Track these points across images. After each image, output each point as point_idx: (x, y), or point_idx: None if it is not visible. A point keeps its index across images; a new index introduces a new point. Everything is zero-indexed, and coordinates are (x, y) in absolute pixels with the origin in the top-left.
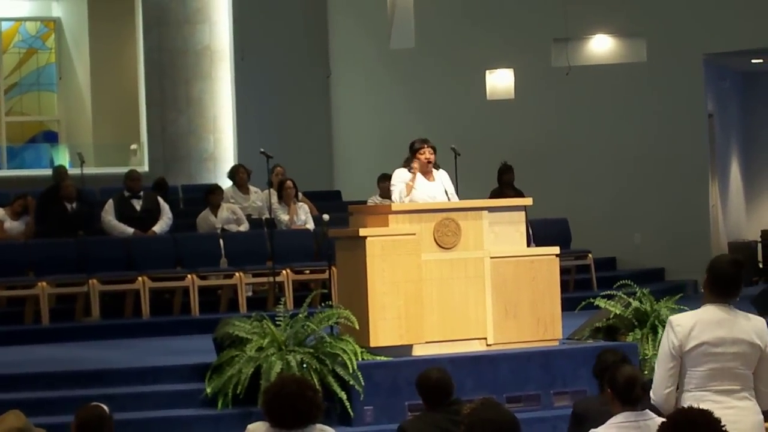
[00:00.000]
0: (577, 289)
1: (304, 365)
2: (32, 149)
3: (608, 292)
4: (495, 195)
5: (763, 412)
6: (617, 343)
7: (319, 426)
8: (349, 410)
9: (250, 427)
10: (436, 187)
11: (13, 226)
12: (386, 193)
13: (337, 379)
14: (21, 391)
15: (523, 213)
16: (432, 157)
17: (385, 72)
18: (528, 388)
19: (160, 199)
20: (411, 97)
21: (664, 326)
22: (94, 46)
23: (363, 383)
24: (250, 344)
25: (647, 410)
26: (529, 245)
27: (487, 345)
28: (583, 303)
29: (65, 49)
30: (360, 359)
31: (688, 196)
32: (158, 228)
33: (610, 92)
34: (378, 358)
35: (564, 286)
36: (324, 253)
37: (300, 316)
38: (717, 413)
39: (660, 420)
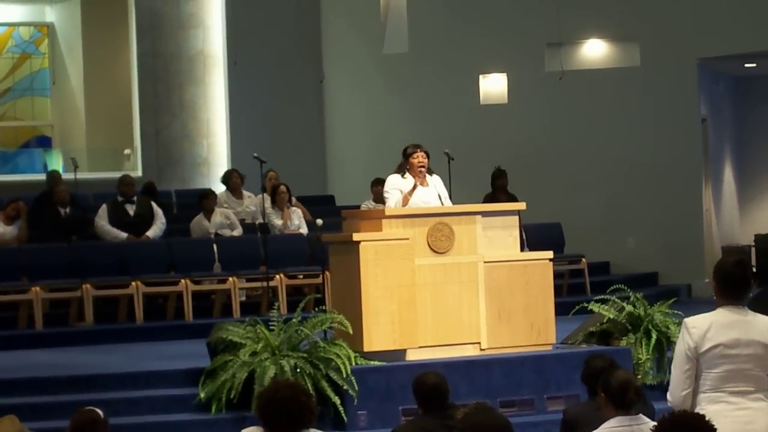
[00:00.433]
0: (570, 293)
1: (298, 370)
2: (25, 154)
3: (602, 296)
4: (488, 199)
5: None
6: (611, 347)
7: (312, 431)
8: (343, 415)
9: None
10: (430, 192)
11: (6, 231)
12: (380, 198)
13: (331, 384)
14: (15, 396)
15: (517, 217)
16: (425, 161)
17: (379, 76)
18: (521, 392)
19: (154, 204)
20: (404, 101)
21: (657, 330)
22: (88, 51)
23: (357, 388)
24: (243, 349)
25: (641, 414)
26: (522, 250)
27: (481, 349)
28: (577, 307)
29: (59, 54)
30: (353, 364)
31: (682, 200)
32: (152, 233)
33: (604, 97)
34: (371, 362)
35: (557, 290)
36: (317, 258)
37: (293, 320)
38: (731, 414)
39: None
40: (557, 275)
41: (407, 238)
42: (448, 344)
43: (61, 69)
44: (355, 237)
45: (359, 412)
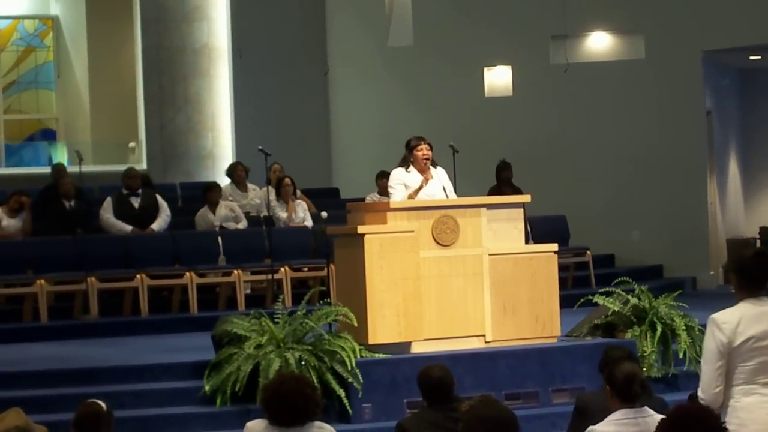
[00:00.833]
0: (575, 286)
1: (303, 363)
2: (30, 147)
3: (607, 289)
4: (493, 192)
5: None
6: (615, 340)
7: (317, 423)
8: (348, 408)
9: (248, 424)
10: (435, 185)
11: (10, 224)
12: (384, 191)
13: (336, 377)
14: (21, 389)
15: (522, 210)
16: (429, 153)
17: (384, 69)
18: (526, 385)
19: (158, 197)
20: (409, 94)
21: (662, 323)
22: (93, 44)
23: (361, 380)
24: (248, 342)
25: (646, 407)
26: (527, 242)
27: (486, 342)
28: (582, 300)
29: (63, 47)
30: (358, 356)
31: (687, 192)
32: (156, 226)
33: (609, 89)
34: (376, 355)
35: (562, 283)
36: (322, 251)
37: (298, 313)
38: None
39: (659, 417)
40: (562, 268)
41: (412, 231)
42: (453, 337)
43: (65, 62)
44: (360, 230)
45: (364, 405)
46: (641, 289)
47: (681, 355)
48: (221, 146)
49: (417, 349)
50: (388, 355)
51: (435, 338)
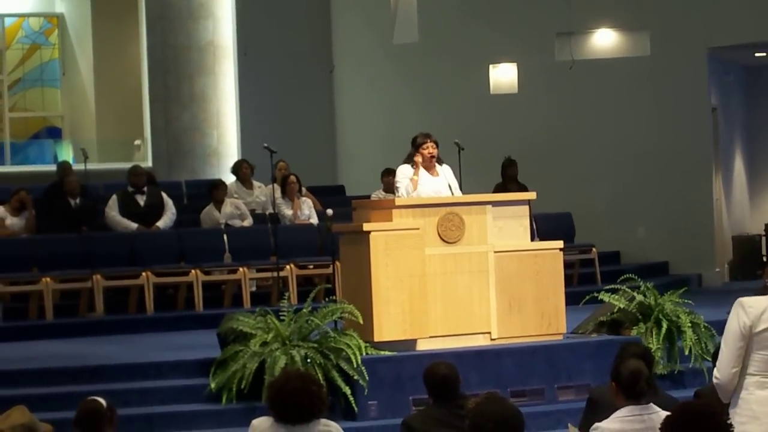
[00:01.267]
0: (581, 283)
1: (308, 360)
2: (36, 145)
3: (612, 286)
4: (498, 189)
5: None
6: (622, 337)
7: (323, 421)
8: (354, 405)
9: (254, 422)
10: (440, 182)
11: (14, 222)
12: (390, 188)
13: (342, 374)
14: (26, 387)
15: (527, 207)
16: (435, 151)
17: (389, 66)
18: (532, 382)
19: (164, 195)
20: (414, 91)
21: (668, 320)
22: (98, 41)
23: (367, 378)
24: (254, 339)
25: (651, 404)
26: (532, 239)
27: (491, 339)
28: (587, 297)
29: (68, 45)
30: (364, 354)
31: (692, 189)
32: (162, 223)
33: (614, 86)
34: (382, 352)
35: (568, 280)
36: (328, 248)
37: (304, 311)
38: None
39: (665, 414)
40: (567, 265)
41: (417, 228)
42: (458, 334)
43: (71, 60)
44: (366, 227)
45: (370, 402)
46: (647, 286)
47: (687, 352)
48: (226, 144)
49: (422, 346)
50: (394, 353)
51: (440, 335)
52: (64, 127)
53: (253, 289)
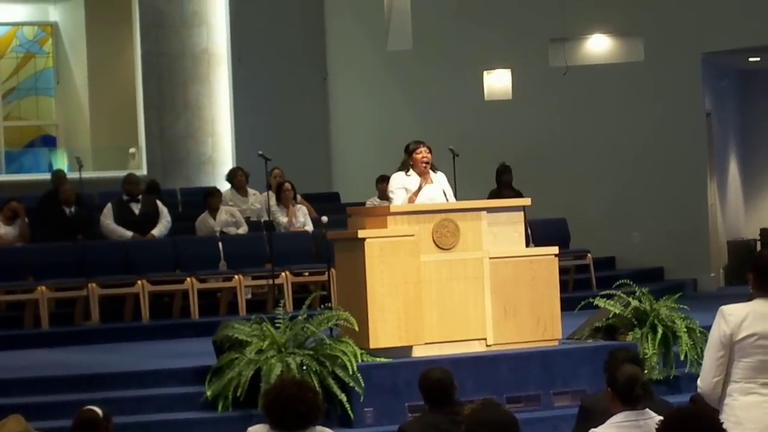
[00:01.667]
0: (576, 288)
1: (304, 367)
2: (30, 154)
3: (607, 291)
4: (493, 195)
5: None
6: (617, 342)
7: (319, 428)
8: (350, 412)
9: (250, 429)
10: (435, 189)
11: (7, 231)
12: (385, 195)
13: (337, 381)
14: (21, 396)
15: (522, 213)
16: (429, 157)
17: (383, 73)
18: (528, 388)
19: (159, 203)
20: (409, 98)
21: (663, 325)
22: (92, 50)
23: (363, 385)
24: (249, 347)
25: (647, 409)
26: (528, 245)
27: (487, 345)
28: (583, 303)
29: (63, 54)
30: (360, 361)
31: (687, 194)
32: (157, 231)
33: (608, 92)
34: (378, 359)
35: (563, 285)
36: (323, 255)
37: (299, 318)
38: (764, 405)
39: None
40: (563, 270)
41: (412, 235)
42: (454, 340)
43: (65, 68)
44: (361, 234)
45: (366, 409)
46: (642, 292)
47: (682, 357)
48: (221, 151)
49: (418, 353)
50: (390, 359)
51: (436, 342)
52: (59, 136)
53: (249, 296)
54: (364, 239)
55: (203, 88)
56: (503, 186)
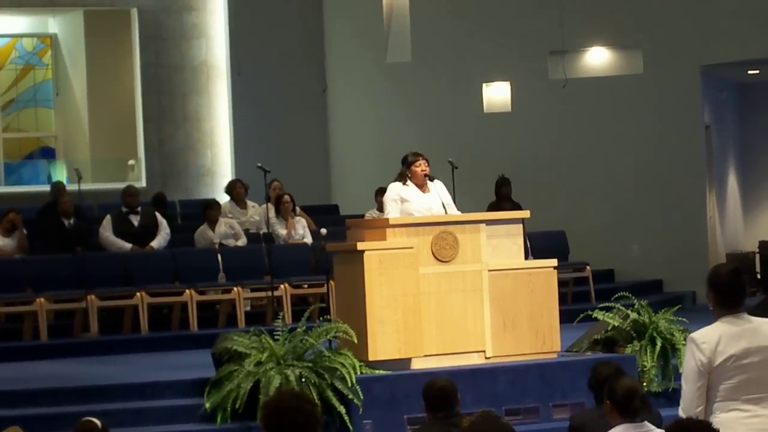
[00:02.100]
0: (575, 301)
1: (303, 379)
2: (29, 165)
3: (606, 304)
4: (492, 208)
5: None
6: (616, 355)
7: None
8: (348, 424)
9: None
10: (432, 199)
11: (5, 243)
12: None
13: (336, 393)
14: (20, 408)
15: (521, 226)
16: (428, 169)
17: (382, 85)
18: (527, 400)
19: (158, 215)
20: (408, 110)
21: (662, 338)
22: (91, 62)
23: (362, 397)
24: (248, 359)
25: (646, 422)
26: (526, 258)
27: (486, 358)
28: (582, 315)
29: (62, 65)
30: (359, 373)
31: (686, 207)
32: (156, 243)
33: (607, 104)
34: (377, 371)
35: (562, 298)
36: (322, 267)
37: (298, 330)
38: (746, 422)
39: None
40: (562, 283)
41: (411, 247)
42: (453, 353)
43: (64, 80)
44: (360, 246)
45: (365, 421)
46: (641, 304)
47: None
48: (220, 163)
49: (417, 365)
50: (389, 372)
51: (435, 354)
52: (58, 148)
53: (248, 308)
54: (363, 251)
55: (202, 100)
56: (502, 198)
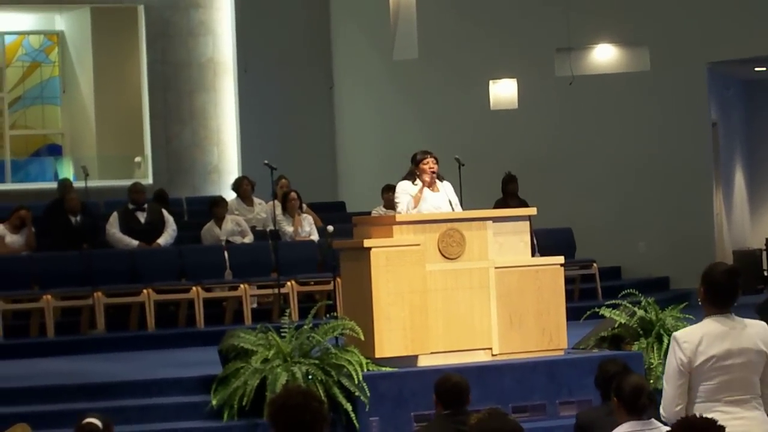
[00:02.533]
0: (582, 298)
1: (310, 376)
2: (36, 162)
3: (613, 301)
4: (499, 205)
5: None
6: (623, 352)
7: None
8: (355, 421)
9: None
10: (441, 198)
11: (14, 239)
12: (390, 204)
13: (343, 391)
14: (27, 405)
15: (528, 223)
16: (436, 167)
17: (389, 83)
18: (533, 398)
19: (165, 212)
20: (414, 107)
21: (669, 335)
22: (98, 59)
23: (368, 394)
24: (255, 356)
25: (653, 419)
26: (533, 255)
27: (493, 355)
28: (588, 312)
29: (69, 63)
30: (365, 370)
31: (693, 204)
32: (163, 240)
33: (614, 101)
34: (383, 368)
35: (569, 295)
36: (329, 265)
37: (305, 327)
38: (727, 424)
39: (666, 429)
40: (568, 280)
41: (418, 244)
42: (459, 350)
43: (71, 77)
44: (366, 243)
45: (371, 419)
46: (648, 301)
47: None
48: (227, 160)
49: (424, 362)
50: (395, 369)
51: (442, 351)
52: (65, 145)
53: (254, 305)
54: (369, 249)
55: (209, 98)
56: (509, 195)
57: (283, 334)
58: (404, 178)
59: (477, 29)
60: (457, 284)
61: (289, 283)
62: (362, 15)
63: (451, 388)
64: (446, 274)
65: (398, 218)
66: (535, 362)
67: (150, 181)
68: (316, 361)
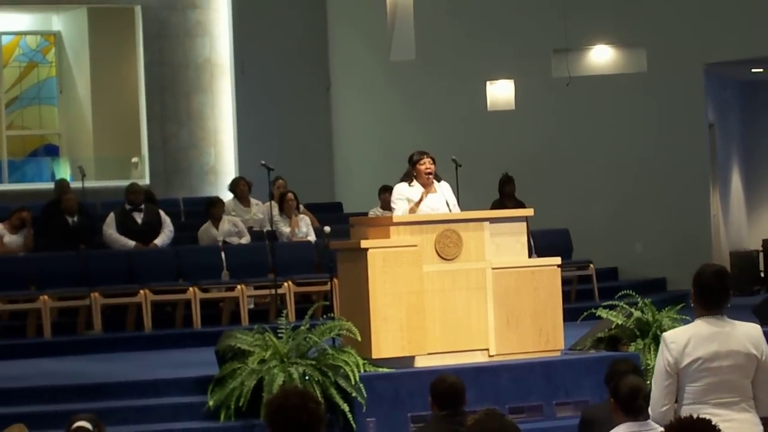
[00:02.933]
0: (578, 299)
1: (307, 377)
2: (33, 163)
3: (610, 302)
4: (496, 206)
5: (762, 420)
6: (619, 353)
7: None
8: (352, 422)
9: None
10: (438, 199)
11: (12, 240)
12: (387, 205)
13: (340, 391)
14: (24, 405)
15: (525, 224)
16: (432, 167)
17: (386, 84)
18: (530, 398)
19: (161, 212)
20: (411, 108)
21: None
22: (95, 59)
23: (365, 395)
24: (252, 357)
25: (649, 420)
26: (530, 256)
27: (489, 356)
28: (585, 313)
29: (66, 63)
30: (362, 371)
31: (690, 205)
32: (159, 241)
33: (611, 102)
34: (380, 369)
35: (566, 296)
36: (325, 265)
37: (302, 328)
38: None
39: (661, 430)
40: (565, 281)
41: (415, 245)
42: (456, 351)
43: (68, 78)
44: (363, 244)
45: (368, 419)
46: (644, 302)
47: None
48: (224, 161)
49: (421, 363)
50: (392, 370)
51: (439, 352)
52: (62, 145)
53: (251, 306)
54: (366, 249)
55: (206, 98)
56: (506, 196)
57: (280, 335)
58: (401, 180)
59: (474, 30)
60: (454, 285)
61: (286, 284)
62: (359, 16)
63: (447, 389)
64: (443, 275)
65: (395, 219)
66: (532, 363)
67: (147, 181)
68: (313, 362)
